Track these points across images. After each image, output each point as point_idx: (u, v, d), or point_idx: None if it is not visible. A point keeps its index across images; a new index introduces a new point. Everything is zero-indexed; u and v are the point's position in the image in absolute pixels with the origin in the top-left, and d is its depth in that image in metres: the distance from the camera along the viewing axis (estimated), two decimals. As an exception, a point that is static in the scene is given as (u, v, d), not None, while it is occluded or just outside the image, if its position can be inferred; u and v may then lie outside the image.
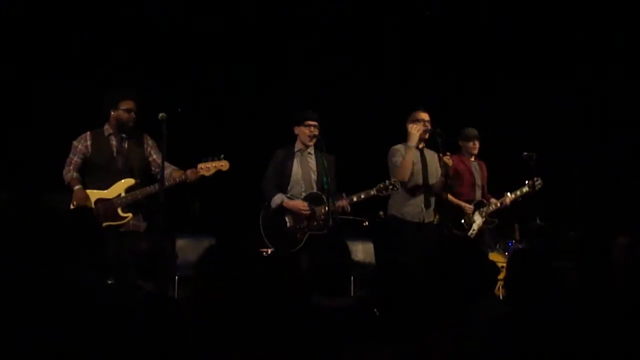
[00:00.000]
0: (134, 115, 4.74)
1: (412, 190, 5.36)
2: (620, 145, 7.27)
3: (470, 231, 5.76)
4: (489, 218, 5.89)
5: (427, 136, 5.40)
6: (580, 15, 7.30)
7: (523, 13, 7.51)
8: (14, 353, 1.56)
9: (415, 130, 5.30)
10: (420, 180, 5.39)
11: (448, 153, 5.30)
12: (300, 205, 5.02)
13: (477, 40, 7.69)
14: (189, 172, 4.68)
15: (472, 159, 6.05)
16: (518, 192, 6.00)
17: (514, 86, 7.67)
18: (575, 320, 2.19)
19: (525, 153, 5.99)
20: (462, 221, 5.79)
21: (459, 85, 7.74)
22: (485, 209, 5.90)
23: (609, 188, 7.13)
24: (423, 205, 5.37)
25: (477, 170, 6.05)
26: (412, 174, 5.34)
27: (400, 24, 7.64)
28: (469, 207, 5.80)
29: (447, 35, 7.69)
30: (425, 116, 5.41)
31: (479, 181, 6.03)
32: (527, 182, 5.97)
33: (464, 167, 5.95)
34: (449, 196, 5.61)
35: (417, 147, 5.39)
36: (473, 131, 5.99)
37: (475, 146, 5.99)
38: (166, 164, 4.60)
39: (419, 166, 5.39)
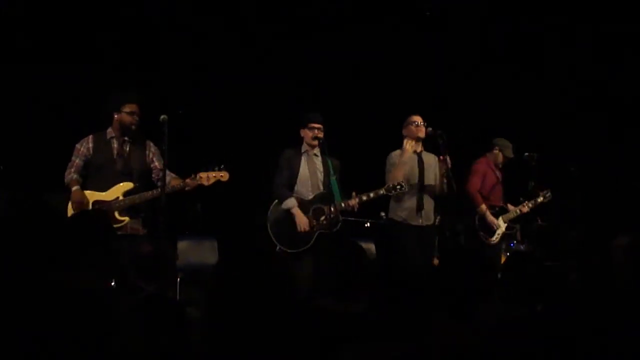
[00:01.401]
0: (137, 119, 4.73)
1: (409, 194, 5.38)
2: (620, 146, 7.28)
3: (495, 237, 5.88)
4: (510, 224, 6.01)
5: (422, 135, 5.42)
6: (580, 15, 7.31)
7: (522, 12, 7.51)
8: (13, 355, 1.56)
9: (409, 147, 5.37)
10: (416, 184, 5.41)
11: (445, 156, 5.33)
12: (304, 223, 5.07)
13: (477, 41, 7.69)
14: (188, 180, 4.68)
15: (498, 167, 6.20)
16: (533, 202, 6.09)
17: (514, 86, 7.68)
18: (575, 320, 2.19)
19: (527, 153, 6.02)
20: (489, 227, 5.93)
21: (459, 85, 7.74)
22: (508, 215, 6.03)
23: (609, 188, 7.13)
24: (420, 209, 5.40)
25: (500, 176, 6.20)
26: (409, 178, 5.36)
27: (401, 24, 7.64)
28: (496, 224, 5.92)
29: (447, 35, 7.70)
30: (418, 118, 5.45)
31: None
32: (540, 193, 6.08)
33: (492, 173, 6.08)
34: (483, 206, 5.86)
35: (415, 151, 5.43)
36: (511, 149, 6.11)
37: (503, 162, 6.15)
38: (167, 171, 4.61)
39: (415, 170, 5.42)
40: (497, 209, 6.00)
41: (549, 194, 6.08)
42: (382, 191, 5.12)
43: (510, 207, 6.09)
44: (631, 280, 2.63)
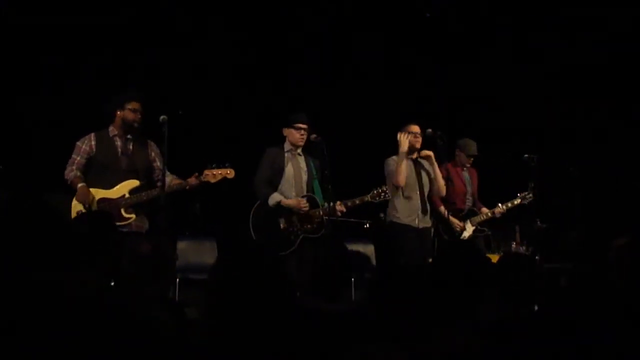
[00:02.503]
0: (140, 116, 4.75)
1: (408, 198, 5.46)
2: (620, 146, 7.28)
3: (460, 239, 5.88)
4: (479, 227, 5.99)
5: (419, 146, 5.50)
6: (581, 17, 7.31)
7: (521, 14, 7.52)
8: (14, 355, 1.56)
9: (404, 138, 5.39)
10: (415, 189, 5.48)
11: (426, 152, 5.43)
12: (299, 203, 5.04)
13: (477, 42, 7.69)
14: (190, 179, 4.70)
15: (464, 168, 6.16)
16: (509, 204, 6.07)
17: (514, 87, 7.68)
18: (574, 321, 2.19)
19: (527, 155, 6.01)
20: (453, 229, 5.91)
21: (459, 87, 7.74)
22: (476, 218, 6.01)
23: (609, 188, 7.13)
24: (419, 212, 5.46)
25: (468, 179, 6.16)
26: (406, 182, 5.43)
27: (400, 26, 7.64)
28: (458, 224, 5.90)
29: (446, 37, 7.69)
30: (415, 128, 5.49)
31: (470, 190, 6.13)
32: (518, 194, 6.06)
33: (456, 176, 6.05)
34: (442, 208, 5.84)
35: (411, 158, 5.47)
36: (473, 147, 6.06)
37: (470, 161, 6.12)
38: (167, 172, 4.63)
39: (413, 175, 5.50)
40: (463, 212, 6.01)
41: (529, 195, 6.03)
42: (367, 198, 5.14)
43: (483, 209, 6.07)
44: (629, 280, 2.64)
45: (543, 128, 7.59)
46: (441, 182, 5.55)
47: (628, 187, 7.13)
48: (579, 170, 6.20)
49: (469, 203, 6.09)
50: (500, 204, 6.05)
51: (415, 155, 5.55)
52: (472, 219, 5.99)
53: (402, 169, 5.35)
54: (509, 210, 6.08)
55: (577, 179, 6.16)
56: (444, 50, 7.69)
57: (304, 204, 5.04)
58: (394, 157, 5.49)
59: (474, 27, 7.64)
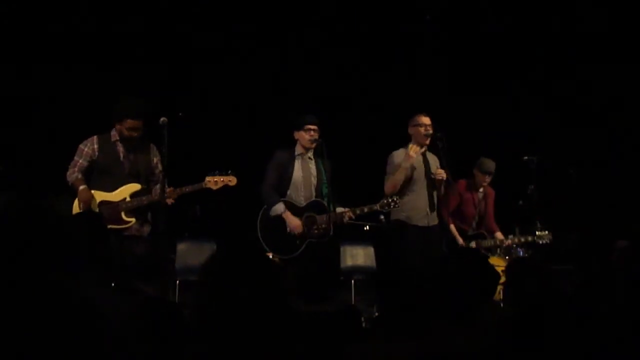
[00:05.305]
0: (135, 135, 4.69)
1: (416, 195, 5.32)
2: (620, 147, 7.29)
3: None
4: (483, 251, 5.81)
5: (428, 141, 5.36)
6: (580, 15, 7.32)
7: (521, 14, 7.53)
8: (10, 356, 1.56)
9: (413, 152, 5.23)
10: (423, 185, 5.34)
11: (440, 170, 5.31)
12: (296, 225, 4.99)
13: (478, 43, 7.70)
14: (178, 190, 4.65)
15: (480, 189, 6.09)
16: (522, 239, 5.88)
17: (514, 88, 7.69)
18: (574, 323, 2.20)
19: (526, 157, 5.99)
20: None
21: (459, 88, 7.74)
22: (484, 242, 5.93)
23: (609, 190, 7.13)
24: (428, 209, 5.33)
25: (480, 201, 6.09)
26: (415, 178, 5.31)
27: (402, 27, 7.65)
28: (461, 244, 5.82)
29: (447, 37, 7.70)
30: (426, 120, 5.35)
31: (480, 212, 6.09)
32: (536, 232, 5.82)
33: (469, 197, 6.01)
34: (452, 226, 5.79)
35: (420, 152, 5.38)
36: (490, 165, 5.95)
37: (486, 180, 6.01)
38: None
39: (421, 170, 5.35)
40: (467, 233, 5.94)
41: (549, 236, 5.78)
42: (376, 207, 5.05)
43: (497, 234, 6.00)
44: (629, 282, 2.64)
45: (543, 128, 7.59)
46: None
47: (628, 187, 7.13)
48: (578, 172, 6.20)
49: (474, 225, 6.04)
50: (512, 236, 5.88)
51: (424, 149, 5.38)
52: (479, 241, 5.90)
53: (398, 180, 5.20)
54: (521, 244, 5.87)
55: (577, 180, 6.15)
56: (444, 50, 7.70)
57: (298, 227, 4.98)
58: (400, 152, 5.33)
59: (474, 27, 7.66)
